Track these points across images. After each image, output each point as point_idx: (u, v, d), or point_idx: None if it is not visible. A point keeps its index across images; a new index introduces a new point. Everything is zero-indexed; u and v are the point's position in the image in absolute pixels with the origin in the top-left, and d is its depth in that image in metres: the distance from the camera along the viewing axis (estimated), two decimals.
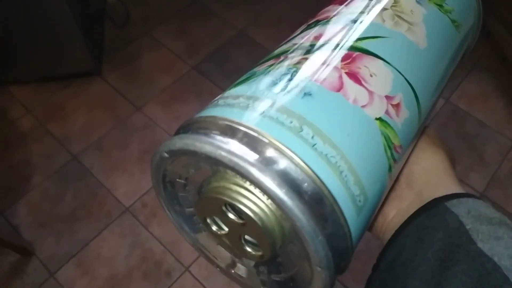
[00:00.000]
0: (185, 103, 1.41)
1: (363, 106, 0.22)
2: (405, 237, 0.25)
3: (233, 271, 0.28)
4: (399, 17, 0.26)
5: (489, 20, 1.39)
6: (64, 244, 1.18)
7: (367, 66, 0.23)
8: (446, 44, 0.29)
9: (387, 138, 0.23)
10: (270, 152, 0.19)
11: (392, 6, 0.27)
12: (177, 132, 0.23)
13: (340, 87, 0.22)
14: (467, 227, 0.22)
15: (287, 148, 0.19)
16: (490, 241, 0.22)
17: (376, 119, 0.22)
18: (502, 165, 1.28)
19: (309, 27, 0.27)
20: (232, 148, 0.19)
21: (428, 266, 0.22)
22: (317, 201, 0.19)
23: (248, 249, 0.23)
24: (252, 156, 0.19)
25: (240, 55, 1.52)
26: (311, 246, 0.19)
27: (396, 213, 0.28)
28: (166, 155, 0.22)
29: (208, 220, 0.24)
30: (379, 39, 0.25)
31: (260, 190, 0.19)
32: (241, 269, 0.27)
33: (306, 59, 0.23)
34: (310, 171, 0.19)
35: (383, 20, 0.26)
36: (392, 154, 0.23)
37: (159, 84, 1.45)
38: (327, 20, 0.27)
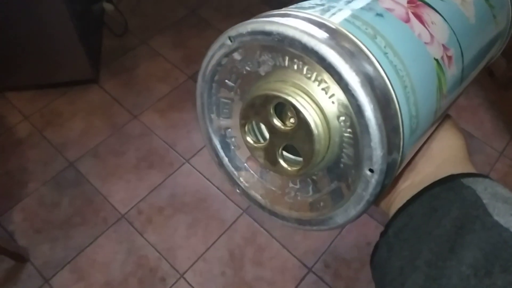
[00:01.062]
0: (182, 112, 1.43)
1: (426, 43, 0.23)
2: (418, 205, 0.25)
3: (252, 192, 0.27)
4: None
5: None
6: (60, 250, 1.18)
7: (429, 14, 0.24)
8: (487, 30, 0.30)
9: (440, 81, 0.23)
10: (347, 43, 0.19)
11: None
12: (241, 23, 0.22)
13: (407, 20, 0.23)
14: (484, 201, 0.23)
15: (363, 44, 0.19)
16: (506, 216, 0.22)
17: (435, 59, 0.23)
18: (490, 175, 1.32)
19: None
20: (311, 30, 0.19)
21: (443, 231, 0.22)
22: (386, 101, 0.19)
23: (284, 164, 0.23)
24: (333, 42, 0.19)
25: None
26: (372, 142, 0.19)
27: (409, 184, 0.28)
28: (229, 41, 0.21)
29: (247, 128, 0.23)
30: (438, 1, 0.26)
31: (333, 77, 0.19)
32: (261, 190, 0.26)
33: None
34: (383, 72, 0.19)
35: None
36: (440, 98, 0.24)
37: (156, 92, 1.47)
38: None
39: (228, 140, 0.27)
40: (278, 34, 0.19)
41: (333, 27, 0.19)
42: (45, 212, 1.24)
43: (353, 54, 0.19)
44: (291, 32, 0.19)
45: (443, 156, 0.28)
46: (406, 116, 0.20)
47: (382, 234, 0.26)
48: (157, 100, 1.46)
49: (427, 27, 0.23)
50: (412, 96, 0.21)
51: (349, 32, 0.19)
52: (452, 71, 0.25)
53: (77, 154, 1.33)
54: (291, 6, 0.23)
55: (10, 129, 1.38)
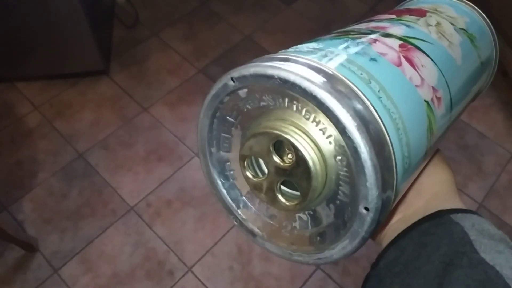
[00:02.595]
0: (192, 105, 1.43)
1: (417, 86, 0.24)
2: (409, 240, 0.26)
3: (249, 225, 0.28)
4: (442, 34, 0.29)
5: None
6: (68, 241, 1.19)
7: (419, 58, 0.26)
8: (473, 70, 0.32)
9: (430, 121, 0.25)
10: (344, 89, 0.20)
11: (436, 25, 0.30)
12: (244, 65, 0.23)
13: (399, 64, 0.24)
14: (471, 238, 0.23)
15: (359, 90, 0.20)
16: (492, 253, 0.23)
17: (425, 101, 0.24)
18: (501, 176, 1.31)
19: (363, 22, 0.30)
20: (310, 76, 0.20)
21: (432, 267, 0.23)
22: (380, 143, 0.20)
23: (282, 199, 0.24)
24: (330, 88, 0.20)
25: (246, 60, 1.54)
26: (368, 183, 0.20)
27: (400, 218, 0.29)
28: (231, 82, 0.22)
29: (246, 163, 0.24)
30: (427, 43, 0.27)
31: (331, 121, 0.20)
32: (258, 223, 0.27)
33: (369, 38, 0.26)
34: (377, 116, 0.20)
35: (430, 32, 0.29)
36: (430, 137, 0.25)
37: (166, 85, 1.47)
38: (381, 20, 0.30)
39: (227, 173, 0.28)
40: (280, 78, 0.20)
41: (331, 72, 0.21)
42: (54, 203, 1.24)
43: (350, 99, 0.20)
44: (292, 77, 0.20)
45: (432, 191, 0.29)
46: (399, 156, 0.21)
47: (373, 266, 0.27)
48: (167, 93, 1.45)
49: (417, 70, 0.25)
50: (404, 137, 0.22)
51: (346, 78, 0.21)
52: (441, 111, 0.26)
53: (87, 145, 1.34)
54: (290, 49, 0.24)
55: (20, 119, 1.39)
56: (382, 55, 0.24)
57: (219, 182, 0.28)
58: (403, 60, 0.24)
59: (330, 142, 0.21)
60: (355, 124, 0.19)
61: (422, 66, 0.25)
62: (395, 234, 0.27)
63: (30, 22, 1.26)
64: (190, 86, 1.48)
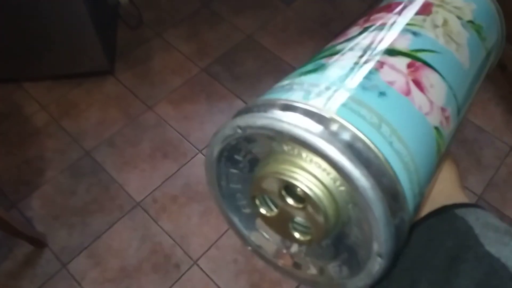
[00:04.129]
0: (195, 104, 1.46)
1: (426, 114, 0.23)
2: (415, 236, 0.26)
3: (263, 252, 0.28)
4: (449, 36, 0.28)
5: None
6: (77, 236, 1.21)
7: (428, 77, 0.25)
8: (480, 68, 0.31)
9: (439, 145, 0.24)
10: (357, 143, 0.20)
11: (442, 25, 0.29)
12: (249, 110, 0.23)
13: (408, 92, 0.23)
14: (476, 231, 0.24)
15: (371, 142, 0.20)
16: (497, 245, 0.23)
17: (435, 127, 0.24)
18: (500, 169, 1.33)
19: (366, 29, 0.29)
20: (318, 132, 0.19)
21: (439, 261, 0.24)
22: (393, 195, 0.20)
23: (296, 233, 0.23)
24: (340, 144, 0.19)
25: (248, 59, 1.57)
26: (382, 238, 0.20)
27: None
28: (239, 130, 0.22)
29: (258, 201, 0.24)
30: (435, 53, 0.26)
31: (345, 181, 0.20)
32: (272, 250, 0.28)
33: (376, 61, 0.25)
34: (389, 167, 0.20)
35: (437, 36, 0.28)
36: (438, 158, 0.25)
37: (170, 84, 1.50)
38: (384, 26, 0.28)
39: (239, 203, 0.28)
40: (289, 134, 0.20)
41: (343, 124, 0.20)
42: (62, 199, 1.27)
43: (362, 156, 0.19)
44: (302, 134, 0.20)
45: (437, 188, 0.29)
46: (411, 199, 0.21)
47: None
48: (170, 91, 1.48)
49: (426, 94, 0.24)
50: (415, 177, 0.22)
51: (358, 129, 0.20)
52: (449, 130, 0.25)
53: (93, 144, 1.36)
54: (296, 82, 0.23)
55: (28, 119, 1.42)
56: (391, 85, 0.23)
57: (230, 212, 0.28)
58: (411, 86, 0.23)
59: (341, 191, 0.21)
60: (369, 185, 0.19)
61: (430, 86, 0.24)
62: None
63: (37, 24, 1.29)
64: (193, 84, 1.51)
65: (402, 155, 0.21)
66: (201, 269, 1.16)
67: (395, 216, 0.20)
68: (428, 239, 0.25)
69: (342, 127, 0.20)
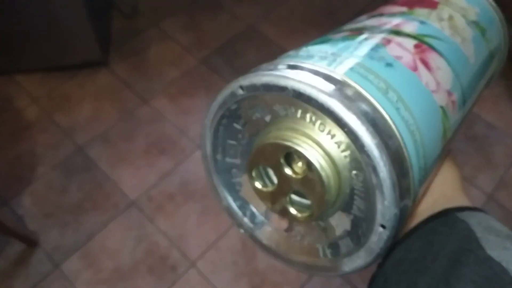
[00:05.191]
0: (193, 97, 1.40)
1: (433, 92, 0.23)
2: (415, 239, 0.26)
3: (257, 233, 0.27)
4: (455, 30, 0.28)
5: None
6: (70, 235, 1.17)
7: (434, 59, 0.25)
8: (484, 67, 0.31)
9: (445, 127, 0.24)
10: (365, 106, 0.19)
11: (448, 19, 0.28)
12: (252, 71, 0.22)
13: (415, 68, 0.23)
14: (477, 235, 0.24)
15: (379, 104, 0.20)
16: (499, 249, 0.23)
17: (440, 107, 0.24)
18: (511, 167, 1.29)
19: (374, 16, 0.29)
20: (327, 88, 0.19)
21: (439, 265, 0.23)
22: (399, 161, 0.19)
23: (293, 210, 0.23)
24: (347, 101, 0.19)
25: (250, 50, 1.51)
26: (386, 201, 0.19)
27: (408, 219, 0.29)
28: (240, 91, 0.21)
29: (254, 173, 0.23)
30: (441, 41, 0.26)
31: (348, 137, 0.19)
32: (266, 232, 0.27)
33: (383, 38, 0.25)
34: (396, 131, 0.20)
35: (442, 28, 0.27)
36: (444, 142, 0.24)
37: (167, 77, 1.44)
38: (393, 14, 0.28)
39: (234, 180, 0.27)
40: (294, 90, 0.19)
41: (350, 84, 0.19)
42: (54, 197, 1.23)
43: (369, 115, 0.19)
44: (308, 90, 0.19)
45: (439, 191, 0.29)
46: (416, 170, 0.21)
47: (380, 266, 0.27)
48: (168, 84, 1.43)
49: (433, 74, 0.24)
50: (421, 150, 0.21)
51: (366, 90, 0.20)
52: (455, 116, 0.26)
53: (86, 139, 1.31)
54: (301, 52, 0.23)
55: (19, 112, 1.37)
56: (398, 59, 0.23)
57: (224, 190, 0.27)
58: (418, 63, 0.24)
59: (345, 156, 0.20)
60: (375, 142, 0.18)
61: (437, 68, 0.24)
62: (403, 233, 0.27)
63: (28, 14, 1.24)
64: (192, 77, 1.45)
65: (408, 123, 0.20)
66: (199, 271, 1.12)
67: (401, 183, 0.19)
68: (429, 243, 0.25)
69: (349, 86, 0.19)
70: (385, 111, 0.20)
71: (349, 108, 0.18)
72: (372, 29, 0.26)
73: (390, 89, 0.21)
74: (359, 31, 0.25)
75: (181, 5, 1.61)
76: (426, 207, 0.28)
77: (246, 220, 0.27)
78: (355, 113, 0.18)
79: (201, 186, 1.24)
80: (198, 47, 1.51)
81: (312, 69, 0.20)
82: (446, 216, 0.26)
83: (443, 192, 0.29)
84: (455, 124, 0.26)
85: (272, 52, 1.51)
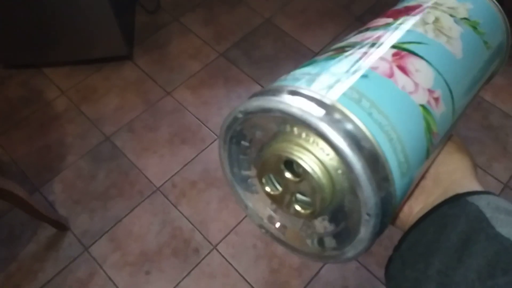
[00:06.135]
0: (213, 89, 1.45)
1: (410, 93, 0.26)
2: (429, 222, 0.27)
3: (276, 233, 0.31)
4: (439, 31, 0.30)
5: None
6: (98, 220, 1.23)
7: (413, 63, 0.27)
8: (478, 58, 0.32)
9: (427, 123, 0.27)
10: (335, 113, 0.23)
11: (433, 22, 0.30)
12: (248, 98, 0.26)
13: (391, 75, 0.26)
14: (487, 215, 0.25)
15: (350, 111, 0.23)
16: (508, 227, 0.24)
17: (420, 105, 0.26)
18: None
19: (361, 32, 0.31)
20: (303, 105, 0.23)
21: (451, 244, 0.25)
22: (373, 157, 0.22)
23: (298, 207, 0.27)
24: (321, 113, 0.23)
25: (267, 42, 1.55)
26: (365, 192, 0.22)
27: (422, 207, 0.30)
28: (240, 115, 0.25)
29: (264, 180, 0.27)
30: (422, 44, 0.29)
31: (325, 142, 0.23)
32: (287, 228, 0.31)
33: (362, 52, 0.28)
34: (368, 132, 0.23)
35: (426, 31, 0.30)
36: (430, 138, 0.27)
37: (188, 69, 1.49)
38: (378, 28, 0.31)
39: (252, 188, 0.30)
40: (279, 111, 0.23)
41: (327, 100, 0.23)
42: (83, 184, 1.29)
43: (341, 122, 0.22)
44: (289, 110, 0.23)
45: (450, 179, 0.31)
46: (394, 164, 0.24)
47: (396, 249, 0.29)
48: (189, 76, 1.47)
49: (411, 76, 0.26)
50: (399, 145, 0.24)
51: (340, 103, 0.23)
52: (440, 110, 0.28)
53: (113, 129, 1.37)
54: (290, 75, 0.27)
55: (48, 104, 1.43)
56: (374, 69, 0.26)
57: (244, 197, 0.31)
58: (395, 70, 0.26)
59: (330, 159, 0.23)
60: (346, 144, 0.22)
61: (416, 71, 0.27)
62: (418, 212, 0.29)
63: (56, 10, 1.29)
64: (212, 69, 1.49)
65: (382, 124, 0.23)
66: (221, 254, 1.17)
67: (377, 176, 0.22)
68: (442, 225, 0.26)
69: (325, 102, 0.23)
70: (357, 117, 0.23)
71: (322, 119, 0.22)
72: (355, 45, 0.28)
73: (364, 98, 0.24)
74: (342, 49, 0.28)
75: (200, 1, 1.66)
76: (438, 195, 0.30)
77: (265, 221, 0.31)
78: (328, 123, 0.22)
79: (221, 174, 1.27)
80: (217, 40, 1.55)
81: (291, 90, 0.24)
82: (457, 201, 0.27)
83: (453, 180, 0.30)
84: (444, 119, 0.28)
85: (288, 44, 1.54)
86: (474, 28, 0.32)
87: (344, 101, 0.23)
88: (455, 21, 0.31)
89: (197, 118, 1.39)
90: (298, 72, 0.27)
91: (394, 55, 0.27)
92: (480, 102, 1.39)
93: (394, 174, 0.24)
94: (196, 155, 1.32)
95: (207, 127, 1.37)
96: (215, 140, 1.34)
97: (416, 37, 0.29)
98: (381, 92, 0.25)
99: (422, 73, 0.27)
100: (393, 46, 0.28)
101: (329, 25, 1.58)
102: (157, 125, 1.38)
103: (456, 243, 0.25)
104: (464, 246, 0.24)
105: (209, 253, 1.17)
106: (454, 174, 0.31)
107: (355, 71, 0.25)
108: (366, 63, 0.26)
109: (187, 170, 1.30)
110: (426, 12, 0.31)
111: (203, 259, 1.16)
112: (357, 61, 0.26)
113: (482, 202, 0.26)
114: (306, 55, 1.51)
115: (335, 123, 0.22)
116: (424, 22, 0.30)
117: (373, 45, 0.28)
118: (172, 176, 1.29)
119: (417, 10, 0.32)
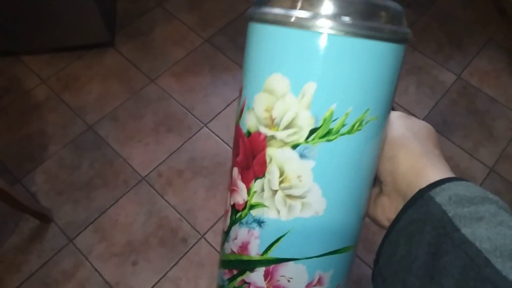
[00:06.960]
0: (199, 76, 1.42)
1: None
2: (398, 233, 0.27)
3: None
4: (289, 196, 0.25)
5: None
6: (82, 211, 1.20)
7: (283, 274, 0.27)
8: (354, 168, 0.27)
9: None
10: None
11: (280, 183, 0.25)
12: None
13: None
14: (450, 214, 0.24)
15: None
16: (472, 224, 0.23)
17: None
18: None
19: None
20: None
21: (420, 262, 0.24)
22: None
23: None
24: None
25: None
26: None
27: (392, 199, 0.30)
28: None
29: None
30: (282, 239, 0.26)
31: None
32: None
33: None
34: None
35: (278, 212, 0.26)
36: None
37: (173, 56, 1.45)
38: (239, 218, 0.29)
39: None
40: None
41: None
42: (66, 174, 1.26)
43: None
44: None
45: (407, 181, 0.28)
46: None
47: (375, 263, 0.29)
48: (173, 63, 1.44)
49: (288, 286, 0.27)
50: None
51: None
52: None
53: (96, 118, 1.34)
54: None
55: (28, 93, 1.39)
56: None
57: None
58: None
59: None
60: None
61: (288, 281, 0.27)
62: (394, 216, 0.28)
63: None
64: (197, 56, 1.46)
65: None
66: (209, 243, 1.15)
67: None
68: (410, 235, 0.25)
69: None
70: None
71: None
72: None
73: None
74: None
75: None
76: (405, 188, 0.28)
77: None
78: None
79: (208, 163, 1.26)
80: (202, 26, 1.52)
81: None
82: (421, 199, 0.26)
83: (408, 181, 0.28)
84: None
85: None
86: (328, 135, 0.25)
87: None
88: (301, 157, 0.25)
89: (182, 106, 1.36)
90: None
91: (265, 277, 0.27)
92: (466, 87, 1.40)
93: None
94: (182, 144, 1.30)
95: (193, 115, 1.35)
96: (201, 128, 1.32)
97: (274, 231, 0.26)
98: None
99: (295, 278, 0.27)
100: (260, 262, 0.27)
101: None
102: (141, 113, 1.35)
103: (424, 260, 0.24)
104: (433, 262, 0.23)
105: (197, 242, 1.16)
106: (408, 175, 0.28)
107: None
108: None
109: (173, 159, 1.27)
110: (268, 160, 0.25)
111: (191, 248, 1.15)
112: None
113: (444, 198, 0.25)
114: None
115: None
116: (272, 191, 0.25)
117: (243, 263, 0.28)
118: (158, 165, 1.26)
119: (259, 167, 0.26)
